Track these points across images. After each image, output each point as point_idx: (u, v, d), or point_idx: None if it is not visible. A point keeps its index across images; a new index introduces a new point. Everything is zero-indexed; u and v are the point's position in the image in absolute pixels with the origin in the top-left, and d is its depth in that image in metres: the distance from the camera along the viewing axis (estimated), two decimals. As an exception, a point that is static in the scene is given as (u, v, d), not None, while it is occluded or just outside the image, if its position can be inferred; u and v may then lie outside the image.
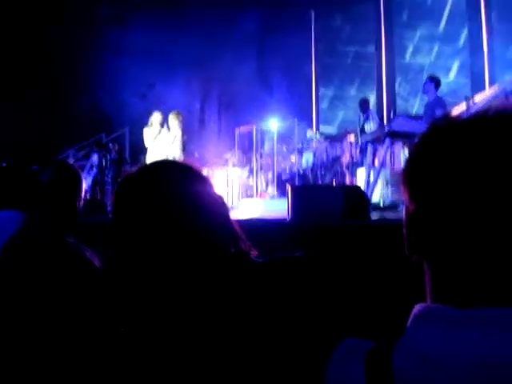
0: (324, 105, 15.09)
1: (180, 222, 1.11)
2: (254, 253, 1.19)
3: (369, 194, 6.07)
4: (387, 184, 8.07)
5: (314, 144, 11.46)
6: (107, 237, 1.23)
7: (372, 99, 12.85)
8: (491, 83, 11.12)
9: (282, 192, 10.08)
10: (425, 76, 8.45)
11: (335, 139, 11.14)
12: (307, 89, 14.93)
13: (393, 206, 7.27)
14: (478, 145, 0.69)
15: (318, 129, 14.20)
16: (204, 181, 1.24)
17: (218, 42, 13.42)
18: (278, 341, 0.95)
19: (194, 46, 12.73)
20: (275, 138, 10.86)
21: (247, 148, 11.64)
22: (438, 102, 7.61)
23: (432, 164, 0.72)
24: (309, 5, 14.56)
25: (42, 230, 2.04)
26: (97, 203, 7.35)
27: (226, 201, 1.27)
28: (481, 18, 11.71)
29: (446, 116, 0.77)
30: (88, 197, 9.07)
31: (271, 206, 8.89)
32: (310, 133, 11.21)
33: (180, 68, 12.84)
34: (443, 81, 8.60)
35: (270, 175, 12.01)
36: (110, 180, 11.78)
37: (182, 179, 1.19)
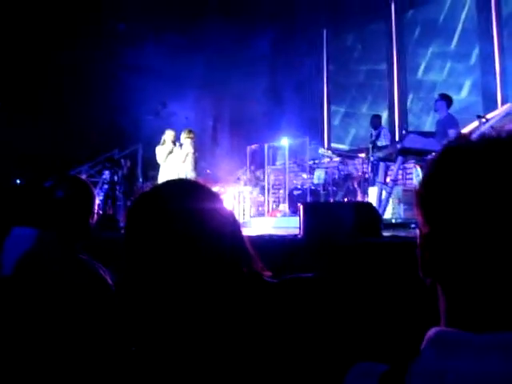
0: (336, 122, 15.11)
1: (192, 241, 1.11)
2: (267, 273, 1.19)
3: (381, 211, 6.05)
4: (399, 202, 8.04)
5: (325, 161, 11.47)
6: (119, 253, 1.23)
7: (384, 116, 12.86)
8: (503, 101, 11.09)
9: (293, 210, 10.07)
10: (437, 93, 8.42)
11: (347, 156, 11.14)
12: (319, 107, 14.97)
13: (405, 224, 7.23)
14: (492, 168, 0.69)
15: (329, 146, 14.21)
16: (216, 199, 1.24)
17: (231, 60, 13.51)
18: (291, 363, 0.95)
19: (207, 65, 12.83)
20: (287, 155, 10.88)
21: (259, 165, 11.67)
22: (450, 120, 7.59)
23: (446, 187, 0.72)
24: (321, 24, 14.66)
25: (55, 247, 2.05)
26: (109, 218, 7.38)
27: (237, 217, 1.28)
28: (492, 36, 11.71)
29: (459, 138, 0.77)
30: (100, 212, 9.10)
31: (283, 223, 8.89)
32: (321, 150, 11.21)
33: (193, 86, 12.93)
34: (455, 98, 8.59)
35: (281, 192, 12.02)
36: (121, 195, 11.86)
37: (195, 199, 1.20)
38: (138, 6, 12.77)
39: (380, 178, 7.47)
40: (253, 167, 11.82)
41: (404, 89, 13.51)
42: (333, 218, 3.83)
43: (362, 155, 10.41)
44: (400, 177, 9.66)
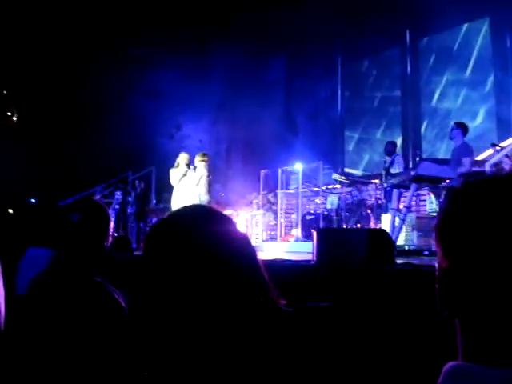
0: (350, 147, 15.12)
1: (209, 268, 1.12)
2: (282, 302, 1.19)
3: (394, 238, 6.02)
4: (413, 228, 8.00)
5: (338, 186, 11.46)
6: (132, 274, 1.23)
7: (398, 143, 12.86)
8: (518, 129, 11.05)
9: (306, 234, 10.04)
10: (452, 121, 8.43)
11: (360, 182, 11.12)
12: (333, 132, 15.00)
13: (418, 251, 7.19)
14: (511, 203, 0.69)
15: (343, 171, 14.20)
16: (231, 225, 1.25)
17: (246, 84, 13.61)
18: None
19: (221, 88, 12.93)
20: (300, 180, 10.88)
21: (272, 189, 11.68)
22: (465, 148, 7.58)
23: (466, 222, 0.72)
24: (336, 49, 14.76)
25: (70, 269, 2.06)
26: (122, 240, 7.41)
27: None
28: (507, 64, 11.72)
29: (478, 173, 0.77)
30: (115, 234, 9.14)
31: (295, 248, 8.87)
32: (335, 175, 11.20)
33: (207, 110, 13.03)
34: (470, 125, 8.58)
35: (293, 217, 12.00)
36: (133, 217, 11.93)
37: (210, 224, 1.20)
38: (153, 30, 12.95)
39: (393, 204, 7.45)
40: (265, 191, 11.83)
41: (418, 116, 13.51)
42: (346, 244, 3.82)
43: (376, 181, 10.39)
44: (414, 203, 9.62)
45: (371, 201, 10.29)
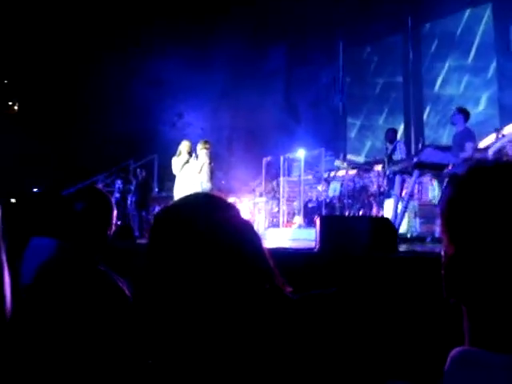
0: (352, 134, 15.09)
1: (214, 255, 1.12)
2: (288, 289, 1.19)
3: (396, 225, 6.02)
4: (415, 215, 7.99)
5: (341, 173, 11.45)
6: (135, 262, 1.24)
7: (400, 129, 12.83)
8: (520, 115, 11.02)
9: (308, 221, 10.05)
10: (454, 107, 8.38)
11: (363, 169, 11.10)
12: (335, 119, 14.96)
13: (421, 238, 7.19)
14: None
15: (345, 158, 14.18)
16: (234, 212, 1.24)
17: (247, 72, 13.57)
18: (313, 379, 0.94)
19: (223, 76, 12.89)
20: (302, 167, 10.86)
21: (274, 177, 11.67)
22: (467, 134, 7.53)
23: (472, 208, 0.72)
24: (337, 36, 14.69)
25: (74, 258, 2.07)
26: (124, 228, 7.42)
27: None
28: (510, 50, 11.66)
29: (481, 159, 0.77)
30: (118, 223, 9.16)
31: (298, 235, 8.87)
32: (337, 162, 11.19)
33: (209, 98, 13.00)
34: (472, 112, 8.54)
35: (295, 204, 12.00)
36: (134, 205, 11.95)
37: (215, 212, 1.20)
38: (154, 20, 12.90)
39: (396, 191, 7.43)
40: (268, 179, 11.83)
41: (420, 102, 13.48)
42: (349, 231, 3.82)
43: (378, 167, 10.37)
44: (416, 191, 9.61)
45: (373, 187, 10.28)
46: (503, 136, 9.81)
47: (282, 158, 11.08)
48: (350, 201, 10.34)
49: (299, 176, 11.08)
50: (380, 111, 14.27)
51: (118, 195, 11.73)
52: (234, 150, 13.00)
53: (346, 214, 9.98)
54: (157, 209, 11.75)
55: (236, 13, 13.26)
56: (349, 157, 14.63)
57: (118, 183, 12.11)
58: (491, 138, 10.12)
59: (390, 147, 9.77)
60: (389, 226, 4.05)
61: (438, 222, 6.96)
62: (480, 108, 11.95)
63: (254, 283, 1.14)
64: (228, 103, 13.16)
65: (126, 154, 13.20)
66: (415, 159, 6.64)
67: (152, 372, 1.13)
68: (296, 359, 1.04)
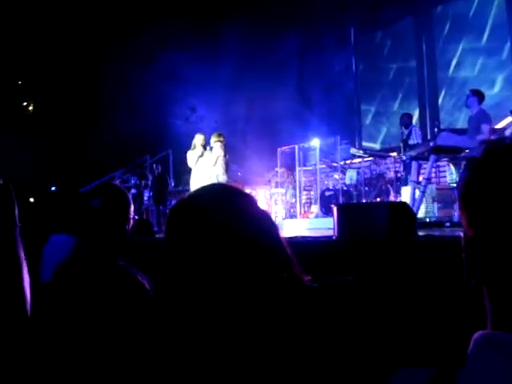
0: (367, 121, 15.00)
1: (232, 245, 1.12)
2: (306, 277, 1.19)
3: (414, 210, 5.98)
4: (433, 200, 7.94)
5: (357, 161, 11.40)
6: (155, 257, 1.24)
7: (415, 114, 12.73)
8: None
9: (325, 211, 10.03)
10: (469, 89, 8.29)
11: (379, 156, 11.04)
12: (349, 106, 14.88)
13: (439, 223, 7.14)
14: None
15: (360, 145, 14.11)
16: (251, 202, 1.24)
17: (259, 62, 13.53)
18: (333, 366, 0.94)
19: (234, 67, 12.87)
20: (318, 156, 10.83)
21: (289, 167, 11.63)
22: (483, 115, 7.46)
23: (490, 189, 0.70)
24: (348, 22, 14.59)
25: (93, 254, 2.08)
26: (143, 223, 7.45)
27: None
28: (524, 30, 11.52)
29: (498, 140, 0.76)
30: (136, 217, 9.21)
31: (315, 225, 8.86)
32: (353, 150, 11.13)
33: (221, 90, 12.98)
34: (487, 94, 8.45)
35: (312, 193, 11.97)
36: (151, 200, 12.04)
37: (231, 202, 1.20)
38: (167, 11, 12.90)
39: (413, 176, 7.38)
40: (283, 169, 11.80)
41: (435, 86, 13.35)
42: (367, 218, 3.80)
43: (394, 154, 10.31)
44: (433, 175, 9.53)
45: (390, 174, 10.22)
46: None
47: (296, 148, 11.04)
48: (366, 188, 10.29)
49: (315, 165, 11.05)
50: (394, 97, 14.16)
51: (134, 191, 11.82)
52: (249, 141, 12.98)
53: (363, 201, 9.94)
54: (174, 203, 11.80)
55: (247, 3, 13.22)
56: (364, 144, 14.57)
57: (133, 179, 12.21)
58: (507, 119, 10.00)
59: (406, 132, 9.71)
60: (407, 211, 4.02)
61: (456, 206, 6.92)
62: (495, 90, 11.80)
63: (272, 272, 1.14)
64: (241, 94, 13.13)
65: (141, 150, 13.26)
66: (431, 144, 6.58)
67: (174, 365, 1.13)
68: (316, 347, 1.03)
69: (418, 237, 3.88)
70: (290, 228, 9.18)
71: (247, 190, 1.30)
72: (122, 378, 1.76)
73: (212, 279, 1.10)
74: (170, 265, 1.16)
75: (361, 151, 11.21)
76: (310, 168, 11.51)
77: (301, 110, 13.55)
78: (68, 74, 13.74)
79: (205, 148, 9.72)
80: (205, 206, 1.17)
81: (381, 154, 11.20)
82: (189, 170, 9.95)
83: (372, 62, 14.93)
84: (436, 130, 7.46)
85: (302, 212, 11.01)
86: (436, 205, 7.93)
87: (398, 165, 9.86)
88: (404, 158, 8.71)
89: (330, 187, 11.02)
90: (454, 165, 7.90)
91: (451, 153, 6.83)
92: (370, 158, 10.87)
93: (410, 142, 9.41)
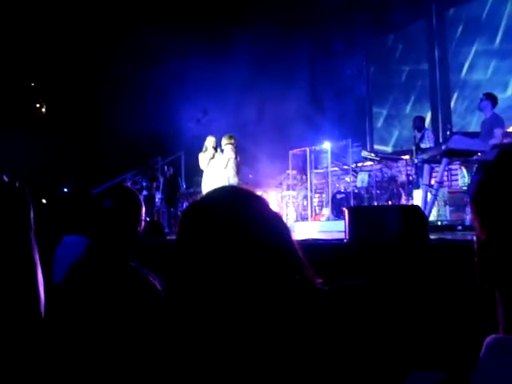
0: (378, 124, 14.96)
1: (244, 247, 1.12)
2: (318, 280, 1.19)
3: (426, 213, 5.95)
4: (445, 204, 7.90)
5: (368, 164, 11.37)
6: (166, 258, 1.24)
7: (428, 117, 12.67)
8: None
9: (336, 213, 10.01)
10: (482, 92, 8.25)
11: (390, 159, 11.01)
12: (361, 108, 14.85)
13: (451, 226, 7.11)
14: None
15: (372, 148, 14.07)
16: (263, 204, 1.24)
17: (271, 64, 13.53)
18: (344, 370, 0.94)
19: (246, 70, 12.88)
20: (329, 159, 10.82)
21: (301, 169, 11.63)
22: (496, 119, 7.43)
23: (502, 192, 0.70)
24: (360, 25, 14.56)
25: (105, 255, 2.09)
26: (154, 225, 7.47)
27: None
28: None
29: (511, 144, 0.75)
30: (147, 219, 9.24)
31: (327, 227, 8.85)
32: (364, 153, 11.11)
33: (233, 92, 13.00)
34: (500, 97, 8.40)
35: (323, 196, 11.96)
36: (163, 202, 12.08)
37: (243, 204, 1.20)
38: (177, 14, 12.94)
39: (425, 180, 7.35)
40: (294, 172, 11.79)
41: (447, 88, 13.29)
42: (379, 222, 3.79)
43: (406, 157, 10.28)
44: (445, 178, 9.50)
45: (402, 177, 10.19)
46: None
47: (308, 150, 11.04)
48: (378, 191, 10.27)
49: (326, 168, 11.04)
50: (406, 99, 14.11)
51: (145, 192, 11.87)
52: (260, 143, 12.98)
53: (375, 204, 9.92)
54: (185, 205, 11.85)
55: (260, 5, 13.22)
56: (376, 147, 14.52)
57: (145, 181, 12.27)
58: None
59: (419, 135, 9.67)
60: (419, 214, 4.00)
61: (469, 209, 6.88)
62: (508, 93, 11.73)
63: (283, 274, 1.14)
64: (253, 97, 13.13)
65: (153, 152, 13.32)
66: (444, 147, 6.56)
67: (185, 365, 1.14)
68: (327, 350, 1.03)
69: (430, 240, 3.86)
70: (301, 231, 9.17)
71: (258, 193, 1.30)
72: (134, 378, 1.76)
73: (224, 281, 1.11)
74: (182, 266, 1.17)
75: (372, 154, 11.18)
76: (322, 171, 11.50)
77: (312, 113, 13.54)
78: (81, 75, 13.81)
79: (216, 150, 9.74)
80: (217, 209, 1.17)
81: (392, 157, 11.17)
82: (200, 172, 9.98)
83: (384, 65, 14.89)
84: (448, 133, 7.43)
85: (314, 215, 11.00)
86: (448, 208, 7.90)
87: (409, 168, 9.83)
88: (416, 161, 8.68)
89: (342, 190, 11.01)
90: (466, 168, 7.87)
91: (463, 156, 6.80)
92: (382, 161, 10.84)
93: (423, 145, 9.37)
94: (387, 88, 14.66)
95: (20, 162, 10.72)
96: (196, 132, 12.03)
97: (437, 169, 7.33)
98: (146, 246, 3.76)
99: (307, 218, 10.84)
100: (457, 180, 9.53)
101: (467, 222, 6.87)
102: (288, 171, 11.87)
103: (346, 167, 11.11)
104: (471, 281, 0.79)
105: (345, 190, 10.94)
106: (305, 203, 11.49)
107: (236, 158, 9.54)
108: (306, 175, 11.20)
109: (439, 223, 7.58)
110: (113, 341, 1.80)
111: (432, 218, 7.12)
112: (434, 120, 13.17)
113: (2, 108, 12.69)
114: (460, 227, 6.81)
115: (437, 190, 6.74)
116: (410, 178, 9.67)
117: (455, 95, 13.08)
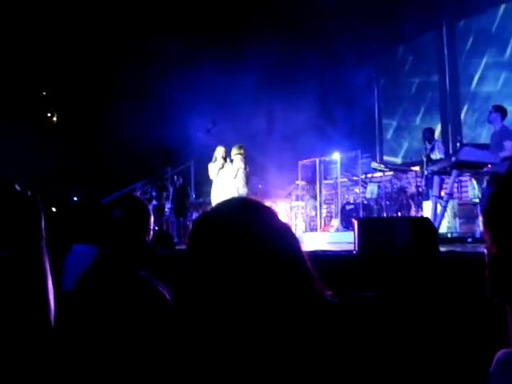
0: (388, 135, 14.95)
1: (254, 258, 1.12)
2: (327, 292, 1.19)
3: (436, 225, 5.93)
4: (455, 215, 7.87)
5: (378, 175, 11.35)
6: (175, 268, 1.24)
7: (438, 129, 12.65)
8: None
9: (345, 224, 9.98)
10: (492, 104, 8.23)
11: (400, 170, 10.98)
12: (370, 120, 14.85)
13: (461, 238, 7.07)
14: None
15: (382, 159, 14.05)
16: (272, 215, 1.25)
17: (281, 75, 13.57)
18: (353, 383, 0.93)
19: (256, 81, 12.92)
20: (339, 170, 10.81)
21: (310, 180, 11.62)
22: (505, 133, 7.41)
23: None
24: (370, 36, 14.58)
25: (114, 264, 2.10)
26: (163, 234, 7.48)
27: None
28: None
29: None
30: (156, 228, 9.26)
31: (336, 238, 8.83)
32: (374, 164, 11.08)
33: (243, 102, 13.04)
34: (510, 109, 8.37)
35: (333, 207, 11.93)
36: (172, 212, 12.09)
37: (253, 216, 1.21)
38: (189, 25, 13.02)
39: (435, 191, 7.33)
40: (303, 182, 11.78)
41: (457, 100, 13.26)
42: (389, 233, 3.78)
43: (416, 168, 10.25)
44: (455, 190, 9.46)
45: (411, 189, 10.16)
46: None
47: (317, 161, 11.03)
48: (387, 202, 10.24)
49: (336, 178, 11.03)
50: (416, 111, 14.09)
51: (155, 202, 11.90)
52: (269, 154, 13.00)
53: (384, 215, 9.88)
54: (194, 215, 11.88)
55: (270, 16, 13.28)
56: (385, 158, 14.50)
57: (154, 191, 12.29)
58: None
59: (429, 147, 9.65)
60: (429, 226, 3.99)
61: (478, 221, 6.85)
62: (519, 105, 11.70)
63: (292, 285, 1.14)
64: (262, 107, 13.18)
65: (163, 162, 13.36)
66: (454, 158, 6.54)
67: (195, 374, 1.14)
68: (336, 362, 1.03)
69: (440, 252, 3.84)
70: (310, 242, 9.15)
71: (267, 203, 1.30)
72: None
73: (233, 292, 1.11)
74: (192, 276, 1.17)
75: (382, 165, 11.16)
76: (331, 181, 11.48)
77: (322, 124, 13.55)
78: (92, 85, 13.91)
79: (226, 160, 9.75)
80: (226, 220, 1.18)
81: (402, 168, 11.14)
82: (210, 182, 9.99)
83: (394, 77, 14.89)
84: (458, 144, 7.41)
85: (323, 225, 10.97)
86: (458, 220, 7.86)
87: (419, 179, 9.80)
88: (426, 172, 8.66)
89: (351, 201, 10.98)
90: (476, 180, 7.83)
91: (473, 168, 6.78)
92: (391, 173, 10.81)
93: (433, 156, 9.34)
94: (397, 99, 14.65)
95: (30, 171, 10.79)
96: (206, 142, 12.06)
97: (447, 180, 7.30)
98: (154, 256, 3.77)
99: (316, 229, 10.81)
100: (467, 192, 9.48)
101: (477, 234, 6.84)
102: (297, 182, 11.86)
103: (355, 178, 11.09)
104: (482, 294, 0.78)
105: (354, 201, 10.92)
106: (314, 214, 11.47)
107: (245, 168, 9.55)
108: (315, 186, 11.19)
109: (449, 235, 7.55)
110: (122, 349, 1.80)
111: (442, 229, 7.09)
112: (443, 132, 13.14)
113: (14, 117, 12.79)
114: (470, 239, 6.77)
115: (447, 201, 6.71)
116: (420, 189, 9.64)
117: (465, 107, 13.05)
